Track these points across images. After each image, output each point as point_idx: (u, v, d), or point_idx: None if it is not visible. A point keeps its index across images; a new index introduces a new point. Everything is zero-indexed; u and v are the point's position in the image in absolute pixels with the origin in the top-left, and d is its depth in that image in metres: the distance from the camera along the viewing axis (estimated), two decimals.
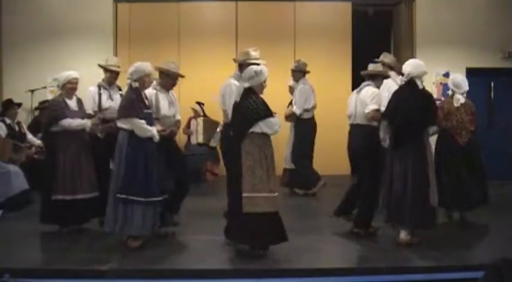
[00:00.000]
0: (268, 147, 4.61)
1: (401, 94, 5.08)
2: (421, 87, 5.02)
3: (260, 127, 4.55)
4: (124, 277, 4.28)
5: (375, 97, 5.38)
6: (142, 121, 4.84)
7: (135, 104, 4.86)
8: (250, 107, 4.56)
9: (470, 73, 9.02)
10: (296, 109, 7.54)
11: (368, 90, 5.48)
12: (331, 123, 8.71)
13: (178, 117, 5.71)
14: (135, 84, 4.93)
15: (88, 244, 5.09)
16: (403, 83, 5.18)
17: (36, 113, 9.01)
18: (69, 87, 5.57)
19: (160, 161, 4.99)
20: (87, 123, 5.55)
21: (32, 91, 9.10)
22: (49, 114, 5.57)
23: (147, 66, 4.99)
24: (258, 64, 5.23)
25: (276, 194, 4.61)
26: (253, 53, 5.72)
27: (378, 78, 5.61)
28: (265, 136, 4.60)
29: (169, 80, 5.49)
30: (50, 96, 9.31)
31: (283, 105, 7.67)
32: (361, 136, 5.41)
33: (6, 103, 7.94)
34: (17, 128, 7.68)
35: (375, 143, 5.30)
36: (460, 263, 4.49)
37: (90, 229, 5.59)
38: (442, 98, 9.10)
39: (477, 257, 4.82)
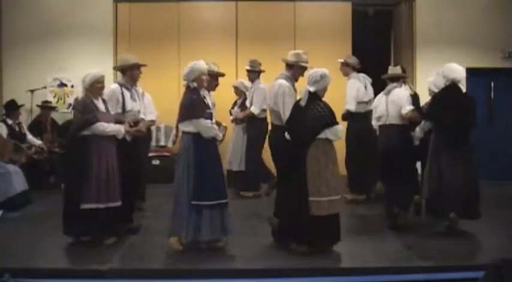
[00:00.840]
0: (332, 152, 4.71)
1: (447, 97, 5.38)
2: (464, 90, 5.54)
3: (325, 134, 4.62)
4: (124, 277, 4.28)
5: (407, 98, 5.77)
6: (208, 121, 4.79)
7: (198, 104, 4.77)
8: (317, 113, 4.62)
9: (471, 73, 8.99)
10: (254, 109, 7.54)
11: (400, 92, 5.85)
12: None
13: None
14: (193, 85, 4.81)
15: (88, 244, 5.08)
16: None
17: (37, 113, 9.01)
18: (98, 87, 5.11)
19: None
20: (120, 129, 5.15)
21: (32, 91, 9.10)
22: (80, 117, 5.01)
23: (202, 65, 4.86)
24: (306, 68, 5.51)
25: (339, 196, 4.75)
26: (304, 57, 5.74)
27: (398, 81, 6.02)
28: (329, 142, 4.67)
29: (211, 80, 5.59)
30: (50, 96, 9.33)
31: None
32: (397, 135, 5.74)
33: (10, 105, 7.95)
34: (17, 129, 7.70)
35: (409, 141, 5.68)
36: (460, 263, 4.49)
37: None
38: None
39: (477, 257, 4.83)
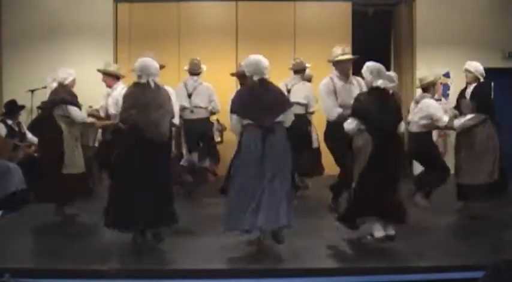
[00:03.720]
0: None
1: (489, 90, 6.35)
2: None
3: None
4: (124, 277, 4.28)
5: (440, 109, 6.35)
6: None
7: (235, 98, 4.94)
8: (394, 106, 4.90)
9: None
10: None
11: (430, 104, 6.23)
12: None
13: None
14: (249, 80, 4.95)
15: (88, 244, 5.09)
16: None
17: (37, 113, 9.00)
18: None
19: None
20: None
21: (32, 91, 9.09)
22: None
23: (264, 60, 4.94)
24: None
25: None
26: (338, 51, 5.99)
27: (429, 91, 6.43)
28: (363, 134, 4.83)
29: None
30: None
31: None
32: (423, 143, 6.27)
33: (10, 105, 7.93)
34: (16, 128, 7.69)
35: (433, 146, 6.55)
36: (460, 263, 4.49)
37: (89, 229, 5.60)
38: (442, 98, 9.11)
39: (477, 257, 4.82)
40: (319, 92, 6.01)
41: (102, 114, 6.59)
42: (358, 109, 4.84)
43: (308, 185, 7.57)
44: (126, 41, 9.53)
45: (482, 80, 6.26)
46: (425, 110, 6.18)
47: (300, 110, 7.08)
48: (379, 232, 4.81)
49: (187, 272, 4.36)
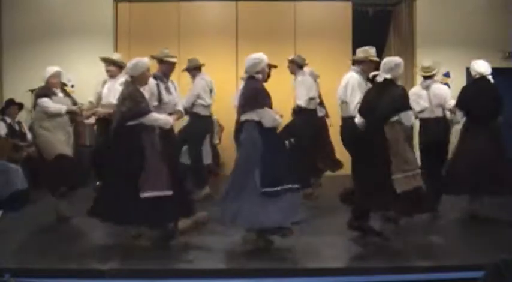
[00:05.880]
0: (407, 132, 5.01)
1: (478, 88, 6.17)
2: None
3: (400, 117, 4.89)
4: (124, 277, 4.27)
5: (449, 92, 6.46)
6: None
7: (264, 94, 4.92)
8: (392, 97, 4.91)
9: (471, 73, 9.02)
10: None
11: (440, 87, 6.46)
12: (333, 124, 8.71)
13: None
14: (258, 76, 4.95)
15: (88, 244, 5.09)
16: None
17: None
18: (148, 75, 5.10)
19: None
20: (169, 120, 5.16)
21: (32, 91, 9.07)
22: (132, 107, 4.84)
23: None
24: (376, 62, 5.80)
25: (419, 170, 4.97)
26: (372, 51, 6.02)
27: (433, 77, 6.50)
28: (401, 124, 4.91)
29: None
30: None
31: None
32: (442, 126, 6.30)
33: (7, 102, 7.95)
34: (17, 128, 7.70)
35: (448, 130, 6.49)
36: (460, 263, 4.49)
37: (90, 229, 5.59)
38: None
39: (477, 257, 4.82)
40: (350, 85, 5.93)
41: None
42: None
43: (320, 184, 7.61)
44: (126, 40, 9.54)
45: (478, 76, 6.29)
46: (443, 92, 6.36)
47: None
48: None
49: (188, 272, 4.36)
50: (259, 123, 4.81)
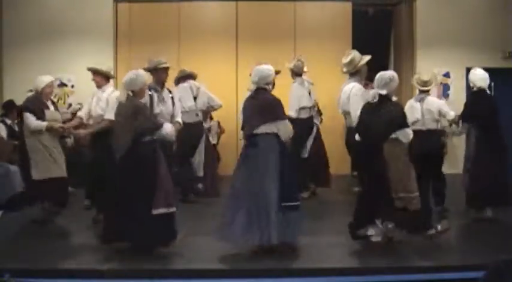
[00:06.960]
0: (405, 150, 4.86)
1: (482, 100, 6.14)
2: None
3: (397, 134, 4.78)
4: (124, 277, 4.28)
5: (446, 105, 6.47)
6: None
7: (281, 105, 4.86)
8: (389, 115, 4.78)
9: None
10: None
11: (434, 101, 6.42)
12: (331, 124, 8.72)
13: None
14: (269, 88, 4.87)
15: (88, 244, 5.08)
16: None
17: None
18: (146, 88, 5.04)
19: None
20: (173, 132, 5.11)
21: (32, 91, 9.08)
22: (145, 122, 4.75)
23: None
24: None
25: (417, 193, 4.83)
26: (355, 57, 6.18)
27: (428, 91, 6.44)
28: (400, 142, 4.80)
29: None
30: None
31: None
32: (435, 139, 6.25)
33: (7, 104, 7.94)
34: (17, 129, 7.69)
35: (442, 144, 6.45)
36: (460, 263, 4.50)
37: (89, 229, 5.59)
38: (442, 98, 9.10)
39: (477, 257, 4.82)
40: (355, 96, 5.93)
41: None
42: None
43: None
44: (126, 41, 9.55)
45: (476, 89, 6.17)
46: (435, 106, 6.29)
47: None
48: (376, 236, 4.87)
49: (188, 272, 4.36)
50: (277, 136, 4.74)
